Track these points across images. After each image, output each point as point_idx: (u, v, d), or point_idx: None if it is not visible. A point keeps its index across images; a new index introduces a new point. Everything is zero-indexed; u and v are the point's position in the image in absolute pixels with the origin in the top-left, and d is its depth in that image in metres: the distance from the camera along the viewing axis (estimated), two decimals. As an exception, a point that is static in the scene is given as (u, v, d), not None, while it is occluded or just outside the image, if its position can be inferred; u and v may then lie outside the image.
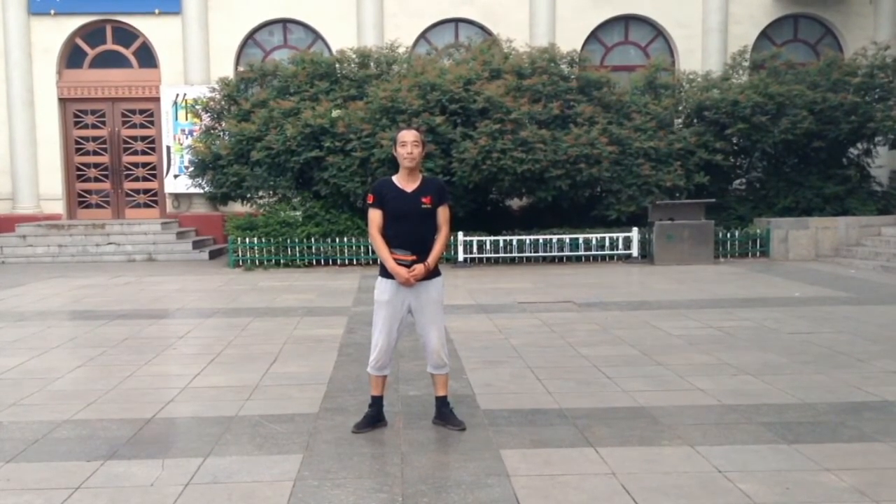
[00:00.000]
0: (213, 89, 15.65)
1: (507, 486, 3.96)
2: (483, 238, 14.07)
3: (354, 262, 14.12)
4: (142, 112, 18.21)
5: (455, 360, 6.46)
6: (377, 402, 4.93)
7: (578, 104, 14.46)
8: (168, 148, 17.64)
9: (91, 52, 18.05)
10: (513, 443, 4.61)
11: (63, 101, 18.02)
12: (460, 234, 13.82)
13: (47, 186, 17.99)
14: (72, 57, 18.06)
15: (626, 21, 18.51)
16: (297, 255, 14.10)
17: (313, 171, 14.21)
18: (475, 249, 14.04)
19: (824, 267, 13.33)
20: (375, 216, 4.80)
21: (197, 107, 15.69)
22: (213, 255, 16.42)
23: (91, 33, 18.02)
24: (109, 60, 18.09)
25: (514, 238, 14.12)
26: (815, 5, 18.30)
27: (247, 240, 14.10)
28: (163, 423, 5.11)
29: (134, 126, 18.27)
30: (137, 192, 18.46)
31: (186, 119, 17.27)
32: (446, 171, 13.32)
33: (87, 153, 18.30)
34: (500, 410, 5.25)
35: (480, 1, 17.90)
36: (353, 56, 15.46)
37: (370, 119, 13.71)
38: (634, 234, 14.12)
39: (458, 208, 13.22)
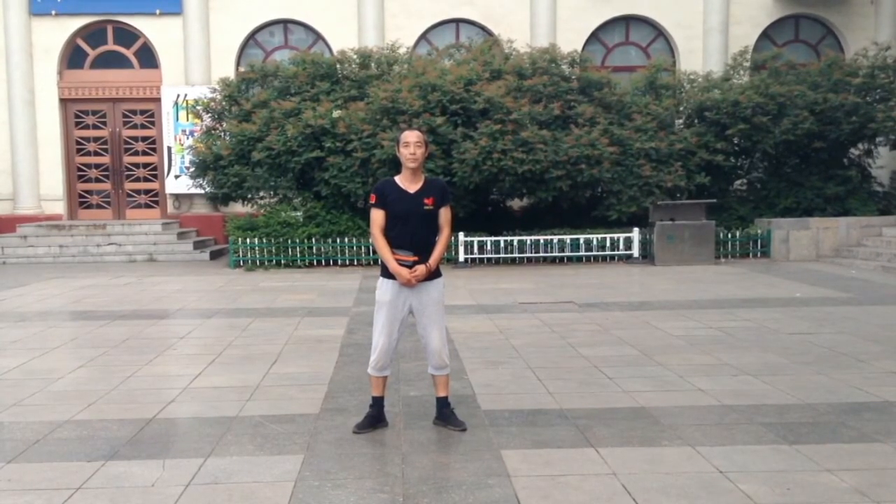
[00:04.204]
0: (214, 90, 15.66)
1: (508, 487, 3.96)
2: (484, 238, 14.07)
3: (355, 263, 14.12)
4: (143, 112, 18.22)
5: (456, 361, 6.47)
6: (378, 403, 4.93)
7: (579, 105, 14.45)
8: (169, 148, 17.65)
9: (92, 53, 18.07)
10: (513, 443, 4.61)
11: (64, 102, 18.04)
12: (461, 235, 13.83)
13: (48, 187, 18.01)
14: (73, 57, 18.08)
15: (627, 21, 18.52)
16: (298, 255, 14.10)
17: (314, 171, 14.21)
18: (476, 250, 14.04)
19: (825, 267, 13.32)
20: (378, 216, 4.80)
21: (198, 107, 15.69)
22: (214, 255, 16.43)
23: (92, 34, 18.03)
24: (110, 61, 18.11)
25: (515, 238, 14.13)
26: (815, 6, 18.30)
27: (247, 240, 14.11)
28: (163, 424, 5.11)
29: (135, 126, 18.29)
30: (138, 192, 18.48)
31: (187, 119, 17.28)
32: (447, 172, 13.32)
33: (87, 153, 18.32)
34: (501, 411, 5.25)
35: (481, 2, 17.91)
36: (354, 56, 15.46)
37: (371, 119, 13.71)
38: (635, 234, 14.12)
39: (458, 209, 13.23)
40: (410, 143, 4.73)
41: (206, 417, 5.21)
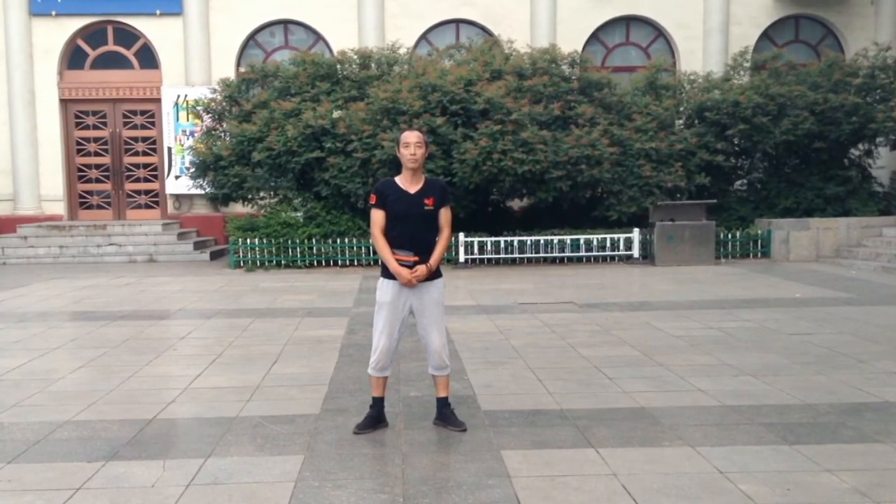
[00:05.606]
0: (214, 90, 15.67)
1: (508, 487, 3.96)
2: (484, 239, 14.07)
3: (355, 263, 14.12)
4: (143, 113, 18.23)
5: (456, 361, 6.47)
6: (378, 403, 4.93)
7: (579, 105, 14.46)
8: (169, 149, 17.65)
9: (92, 53, 18.07)
10: (514, 444, 4.61)
11: (64, 102, 18.04)
12: (461, 235, 13.83)
13: (48, 187, 18.01)
14: (73, 58, 18.08)
15: (627, 22, 18.52)
16: (298, 256, 14.10)
17: (314, 171, 14.21)
18: (476, 250, 14.04)
19: (825, 268, 13.32)
20: (378, 217, 4.80)
21: (198, 108, 15.69)
22: (214, 255, 16.42)
23: (92, 34, 18.03)
24: (110, 61, 18.11)
25: (515, 239, 14.13)
26: (816, 6, 18.30)
27: (248, 241, 14.11)
28: (164, 424, 5.11)
29: (135, 127, 18.29)
30: (138, 192, 18.48)
31: (187, 120, 17.28)
32: (447, 172, 13.32)
33: (88, 154, 18.32)
34: (501, 411, 5.25)
35: (481, 2, 17.91)
36: (355, 57, 15.47)
37: (371, 120, 13.72)
38: (635, 234, 14.12)
39: (458, 209, 13.23)
40: (410, 144, 4.73)
41: (207, 418, 5.21)
